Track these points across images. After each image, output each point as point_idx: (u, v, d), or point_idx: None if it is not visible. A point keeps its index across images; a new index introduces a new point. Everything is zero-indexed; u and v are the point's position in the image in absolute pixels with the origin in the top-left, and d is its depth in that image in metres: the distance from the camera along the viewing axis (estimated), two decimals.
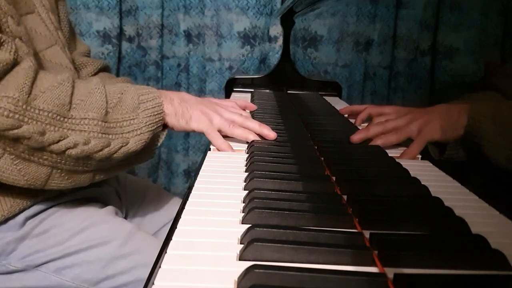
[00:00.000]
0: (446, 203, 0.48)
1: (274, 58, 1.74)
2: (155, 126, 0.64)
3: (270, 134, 0.71)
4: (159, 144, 0.68)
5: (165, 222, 0.89)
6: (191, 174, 1.84)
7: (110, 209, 0.76)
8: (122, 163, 0.65)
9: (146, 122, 0.62)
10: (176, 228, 0.42)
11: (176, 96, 0.68)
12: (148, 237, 0.75)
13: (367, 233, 0.40)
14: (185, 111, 0.67)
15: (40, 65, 0.70)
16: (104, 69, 0.94)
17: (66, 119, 0.57)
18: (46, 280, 0.68)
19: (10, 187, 0.61)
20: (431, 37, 0.81)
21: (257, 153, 0.64)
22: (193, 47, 1.75)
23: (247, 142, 0.72)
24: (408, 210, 0.48)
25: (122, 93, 0.62)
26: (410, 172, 0.59)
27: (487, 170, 0.59)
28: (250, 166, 0.59)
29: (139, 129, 0.62)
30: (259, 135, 0.72)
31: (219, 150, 0.69)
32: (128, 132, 0.61)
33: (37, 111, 0.54)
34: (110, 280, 0.68)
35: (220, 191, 0.52)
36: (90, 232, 0.70)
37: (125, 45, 1.72)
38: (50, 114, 0.55)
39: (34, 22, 0.71)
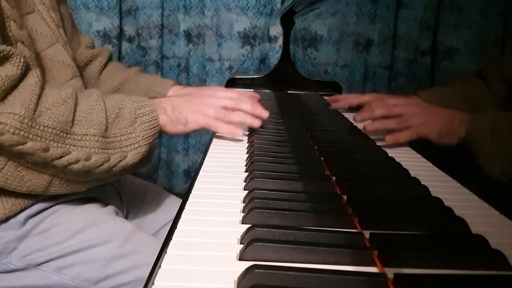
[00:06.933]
0: (446, 203, 0.48)
1: (274, 58, 1.74)
2: (151, 139, 0.65)
3: (262, 114, 0.76)
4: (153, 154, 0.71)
5: (165, 222, 0.89)
6: (191, 174, 1.84)
7: (110, 208, 0.76)
8: (119, 173, 0.67)
9: (143, 136, 0.64)
10: (176, 228, 0.42)
11: (168, 104, 0.70)
12: (148, 237, 0.75)
13: (367, 233, 0.40)
14: (179, 116, 0.70)
15: (41, 65, 0.70)
16: (111, 58, 0.97)
17: (68, 136, 0.58)
18: (46, 279, 0.68)
19: None
20: (431, 37, 0.81)
21: (257, 153, 0.64)
22: (193, 47, 1.75)
23: (249, 129, 0.77)
24: (408, 210, 0.48)
25: (120, 108, 0.64)
26: (410, 172, 0.59)
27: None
28: (250, 166, 0.59)
29: (137, 142, 0.64)
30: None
31: (228, 134, 0.73)
32: (126, 146, 0.63)
33: (41, 128, 0.55)
34: (110, 280, 0.68)
35: (220, 191, 0.52)
36: (90, 231, 0.70)
37: (125, 45, 1.72)
38: (54, 131, 0.56)
39: (35, 22, 0.71)
